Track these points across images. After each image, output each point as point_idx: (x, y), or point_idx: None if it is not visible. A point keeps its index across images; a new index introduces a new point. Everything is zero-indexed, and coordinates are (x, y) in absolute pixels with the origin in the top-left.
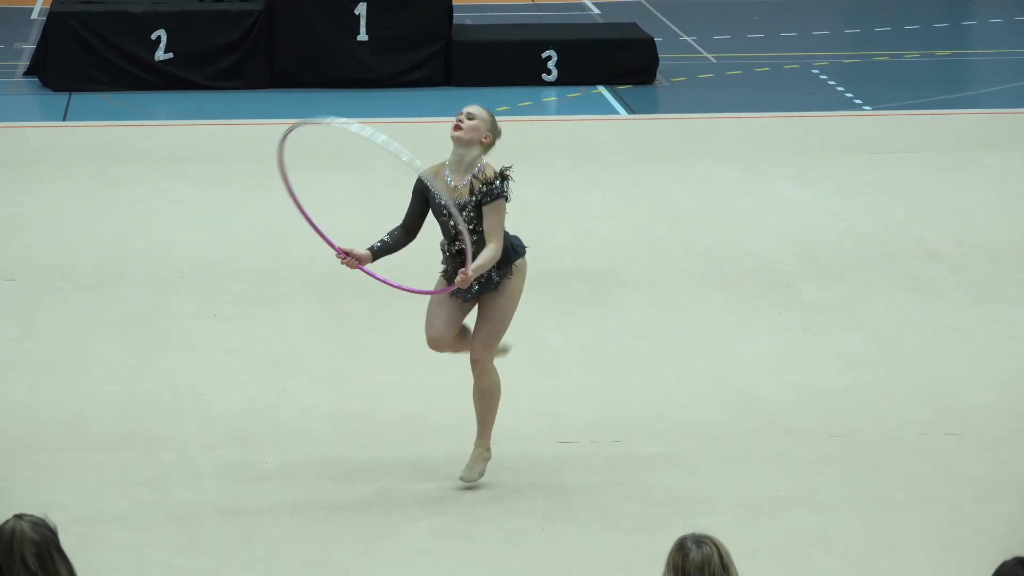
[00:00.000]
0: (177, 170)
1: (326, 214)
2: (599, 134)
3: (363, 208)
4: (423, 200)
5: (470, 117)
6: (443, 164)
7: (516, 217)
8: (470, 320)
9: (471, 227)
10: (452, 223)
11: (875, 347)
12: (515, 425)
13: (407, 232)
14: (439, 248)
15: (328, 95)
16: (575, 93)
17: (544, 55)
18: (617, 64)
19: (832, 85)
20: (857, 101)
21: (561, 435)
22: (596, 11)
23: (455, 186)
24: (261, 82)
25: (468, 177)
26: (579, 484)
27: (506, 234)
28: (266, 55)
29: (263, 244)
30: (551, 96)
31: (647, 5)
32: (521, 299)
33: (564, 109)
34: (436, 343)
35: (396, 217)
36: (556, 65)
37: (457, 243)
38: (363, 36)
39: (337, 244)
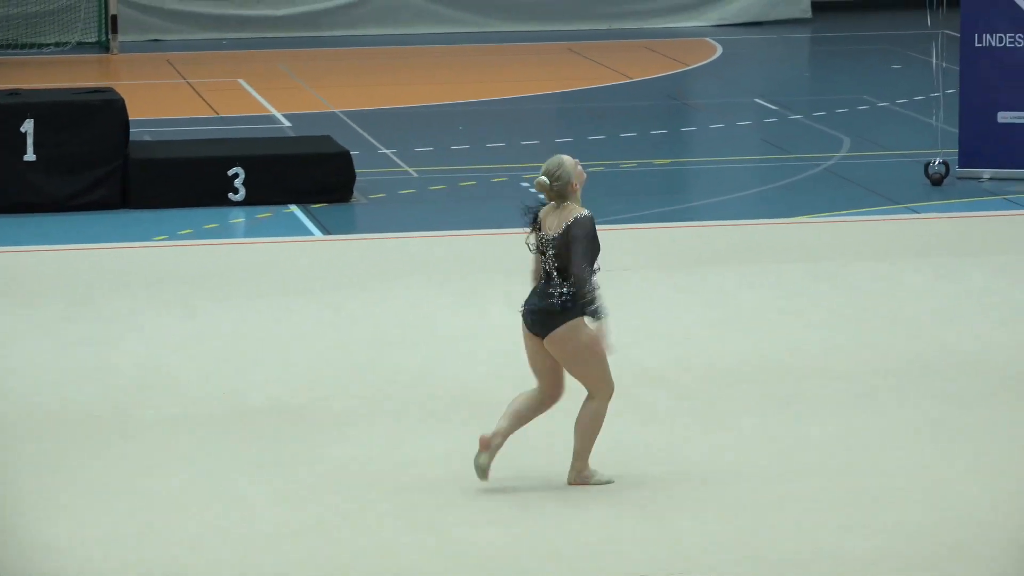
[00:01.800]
0: None
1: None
2: (293, 258)
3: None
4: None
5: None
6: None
7: (206, 347)
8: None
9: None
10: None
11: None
12: None
13: None
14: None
15: None
16: (265, 213)
17: (231, 172)
18: (310, 181)
19: (543, 199)
20: None
21: None
22: (287, 123)
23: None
24: None
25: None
26: None
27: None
28: None
29: None
30: (239, 217)
31: (342, 116)
32: (214, 442)
33: (254, 231)
34: None
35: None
36: (244, 183)
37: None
38: (30, 156)
39: None
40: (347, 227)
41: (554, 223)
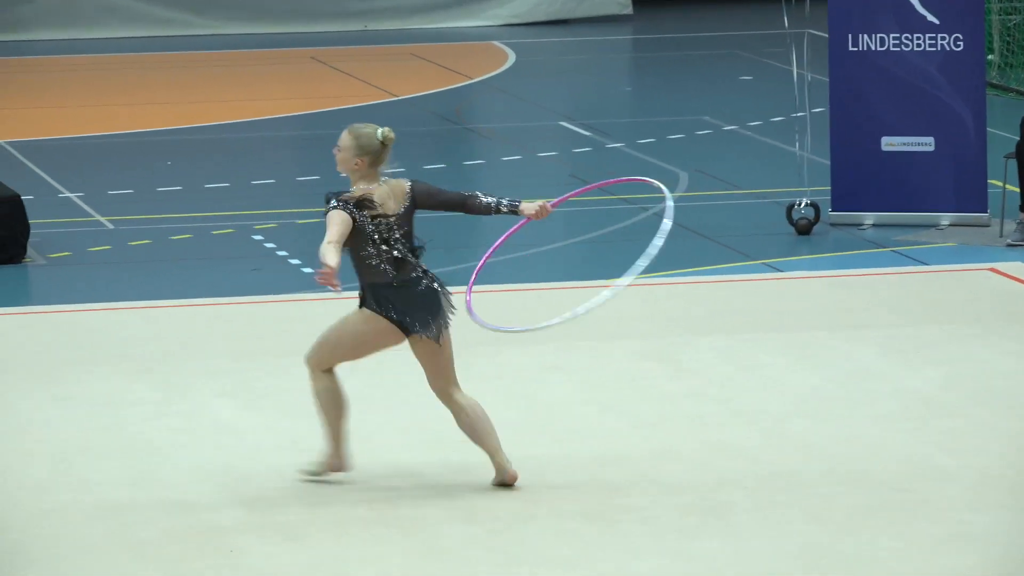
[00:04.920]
0: None
1: None
2: None
3: None
4: None
5: (338, 150)
6: None
7: None
8: None
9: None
10: None
11: None
12: None
13: None
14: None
15: None
16: None
17: None
18: None
19: (283, 256)
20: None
21: None
22: None
23: None
24: None
25: None
26: None
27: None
28: None
29: None
30: None
31: (7, 147)
32: None
33: None
34: None
35: None
36: None
37: None
38: None
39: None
40: (20, 298)
41: (389, 203)
